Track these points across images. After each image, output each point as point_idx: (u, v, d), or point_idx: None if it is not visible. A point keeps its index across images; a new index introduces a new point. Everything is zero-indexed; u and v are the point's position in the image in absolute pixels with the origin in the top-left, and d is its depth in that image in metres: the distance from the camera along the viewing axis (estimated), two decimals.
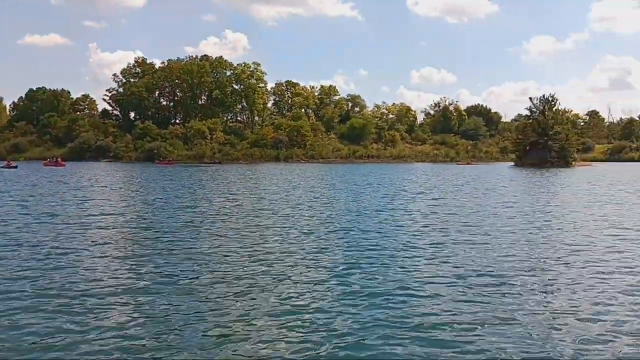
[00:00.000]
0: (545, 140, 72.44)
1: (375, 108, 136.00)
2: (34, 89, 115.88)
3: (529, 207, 22.68)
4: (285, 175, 47.89)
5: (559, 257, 11.89)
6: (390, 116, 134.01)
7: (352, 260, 11.27)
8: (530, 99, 77.16)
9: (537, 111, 76.20)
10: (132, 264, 10.71)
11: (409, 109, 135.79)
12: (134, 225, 15.99)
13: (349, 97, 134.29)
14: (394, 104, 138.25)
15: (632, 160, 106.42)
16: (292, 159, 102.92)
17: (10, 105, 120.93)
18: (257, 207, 21.21)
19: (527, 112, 79.28)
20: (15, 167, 61.26)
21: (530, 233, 15.31)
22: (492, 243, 13.54)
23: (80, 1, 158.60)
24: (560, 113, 77.96)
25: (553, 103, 76.20)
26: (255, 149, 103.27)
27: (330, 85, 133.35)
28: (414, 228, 16.07)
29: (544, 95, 76.49)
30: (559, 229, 16.32)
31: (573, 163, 75.43)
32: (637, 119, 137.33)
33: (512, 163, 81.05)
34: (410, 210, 20.84)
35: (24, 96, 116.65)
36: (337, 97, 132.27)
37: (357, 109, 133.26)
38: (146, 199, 24.63)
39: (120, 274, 9.87)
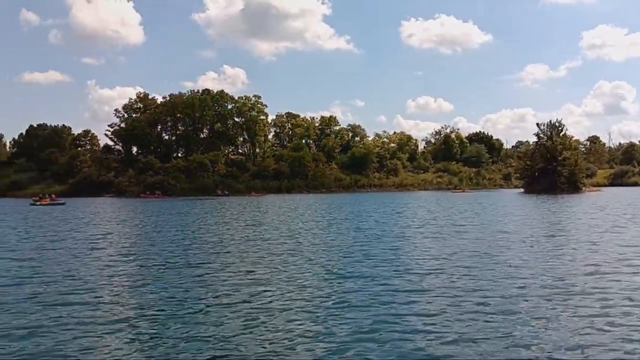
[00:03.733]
0: (555, 165, 71.88)
1: (376, 137, 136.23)
2: (35, 125, 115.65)
3: (582, 235, 21.78)
4: (293, 205, 47.01)
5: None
6: (392, 145, 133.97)
7: (383, 293, 10.32)
8: (538, 124, 76.97)
9: (545, 137, 75.83)
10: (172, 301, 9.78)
11: (410, 138, 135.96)
12: (168, 260, 15.03)
13: (350, 127, 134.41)
14: (394, 132, 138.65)
15: (636, 184, 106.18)
16: (294, 189, 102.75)
17: (10, 142, 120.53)
18: (279, 236, 20.22)
19: (535, 138, 79.08)
20: (63, 204, 56.45)
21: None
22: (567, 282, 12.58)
23: (79, 39, 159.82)
24: (568, 139, 77.61)
25: (560, 129, 75.96)
26: (257, 180, 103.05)
27: (331, 116, 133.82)
28: (453, 257, 15.13)
29: (550, 121, 76.48)
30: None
31: (583, 188, 74.79)
32: (638, 143, 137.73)
33: (521, 189, 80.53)
34: (450, 240, 19.89)
35: (24, 133, 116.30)
36: (337, 127, 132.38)
37: (357, 138, 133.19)
38: (170, 234, 23.65)
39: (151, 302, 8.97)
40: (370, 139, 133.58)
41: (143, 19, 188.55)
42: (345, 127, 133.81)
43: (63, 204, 54.58)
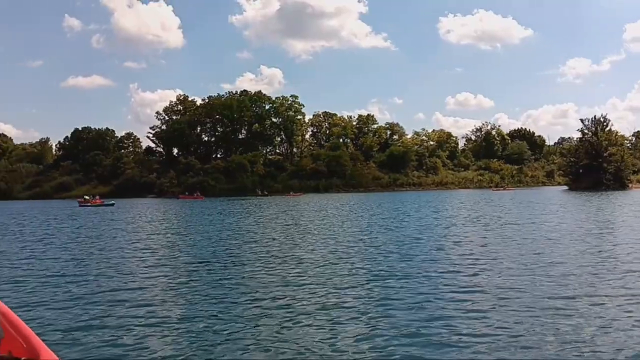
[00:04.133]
0: (600, 162, 69.58)
1: (415, 135, 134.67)
2: (80, 128, 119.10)
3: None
4: (332, 205, 46.81)
5: None
6: (431, 143, 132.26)
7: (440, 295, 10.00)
8: (582, 120, 74.79)
9: (589, 133, 73.48)
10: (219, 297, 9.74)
11: (449, 135, 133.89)
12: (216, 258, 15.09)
13: (388, 125, 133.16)
14: (433, 130, 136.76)
15: None
16: (332, 189, 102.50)
17: (56, 145, 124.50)
18: (322, 235, 20.05)
19: (578, 134, 76.90)
20: (112, 204, 56.82)
21: None
22: None
23: (121, 43, 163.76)
24: (613, 134, 74.96)
25: (605, 124, 73.46)
26: (295, 180, 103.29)
27: (368, 114, 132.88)
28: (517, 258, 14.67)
29: (594, 116, 74.13)
30: None
31: (630, 185, 72.12)
32: None
33: (565, 187, 78.24)
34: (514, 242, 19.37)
35: (69, 136, 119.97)
36: (375, 126, 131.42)
37: (396, 136, 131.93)
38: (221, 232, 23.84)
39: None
40: (408, 137, 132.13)
41: (182, 23, 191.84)
42: (383, 125, 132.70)
43: (112, 204, 55.53)
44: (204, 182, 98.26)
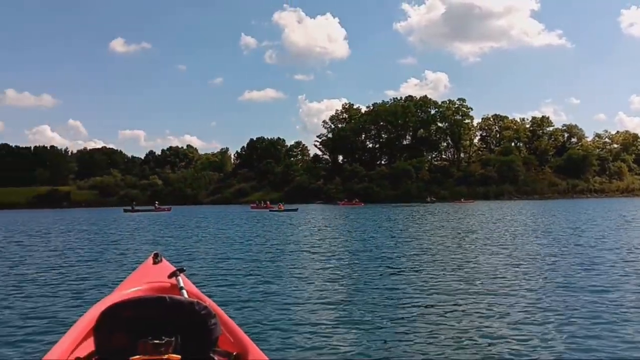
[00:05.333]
0: None
1: (596, 137, 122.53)
2: (254, 138, 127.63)
3: None
4: (507, 212, 42.96)
5: None
6: (614, 146, 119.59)
7: None
8: None
9: None
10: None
11: (636, 137, 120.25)
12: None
13: (565, 127, 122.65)
14: (617, 132, 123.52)
15: None
16: (503, 196, 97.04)
17: (234, 154, 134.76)
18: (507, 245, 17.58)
19: None
20: (295, 210, 57.13)
21: None
22: None
23: (291, 57, 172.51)
24: None
25: None
26: (462, 186, 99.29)
27: (543, 116, 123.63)
28: None
29: None
30: None
31: None
32: None
33: None
34: None
35: (245, 145, 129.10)
36: (550, 128, 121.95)
37: (574, 139, 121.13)
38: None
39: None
40: (588, 139, 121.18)
41: (348, 34, 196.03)
42: (559, 127, 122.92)
43: (296, 210, 57.23)
44: (369, 189, 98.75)
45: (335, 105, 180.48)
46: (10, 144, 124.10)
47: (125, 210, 63.40)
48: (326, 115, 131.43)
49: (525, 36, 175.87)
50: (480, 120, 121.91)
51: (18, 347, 6.20)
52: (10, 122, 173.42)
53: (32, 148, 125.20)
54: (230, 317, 3.23)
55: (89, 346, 2.65)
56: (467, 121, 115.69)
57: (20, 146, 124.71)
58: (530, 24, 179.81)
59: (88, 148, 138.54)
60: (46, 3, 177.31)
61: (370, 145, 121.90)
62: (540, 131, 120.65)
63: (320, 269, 12.73)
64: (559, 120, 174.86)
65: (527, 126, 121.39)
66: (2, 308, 8.46)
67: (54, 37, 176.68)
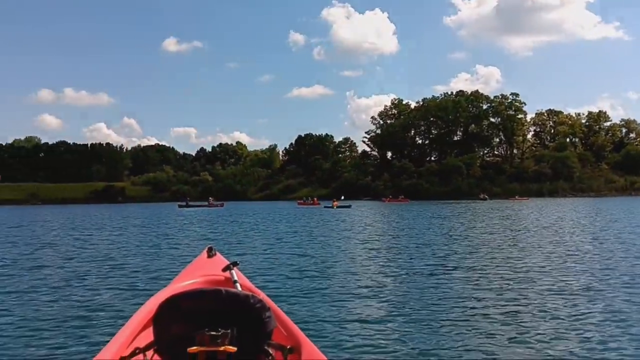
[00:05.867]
0: None
1: None
2: (302, 135, 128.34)
3: None
4: (568, 210, 41.45)
5: None
6: None
7: None
8: None
9: None
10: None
11: None
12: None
13: (623, 122, 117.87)
14: None
15: None
16: (557, 193, 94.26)
17: (282, 150, 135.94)
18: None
19: None
20: (349, 206, 56.57)
21: None
22: None
23: (340, 54, 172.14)
24: None
25: None
26: (515, 183, 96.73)
27: (600, 111, 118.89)
28: None
29: None
30: None
31: None
32: None
33: None
34: None
35: (294, 142, 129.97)
36: (608, 123, 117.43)
37: (632, 134, 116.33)
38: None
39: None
40: None
41: (397, 29, 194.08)
42: (617, 122, 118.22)
43: (349, 206, 56.88)
44: (418, 185, 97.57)
45: (383, 101, 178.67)
46: (69, 141, 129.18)
47: (180, 206, 64.92)
48: (374, 111, 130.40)
49: (581, 29, 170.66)
50: (533, 116, 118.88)
51: (79, 338, 6.39)
52: (69, 120, 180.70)
53: (89, 145, 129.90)
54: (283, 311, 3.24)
55: (148, 337, 2.70)
56: (520, 116, 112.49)
57: (78, 143, 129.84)
58: (585, 16, 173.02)
59: (142, 145, 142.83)
60: (102, 5, 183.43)
61: (420, 141, 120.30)
62: (597, 126, 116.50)
63: (372, 264, 12.65)
64: (616, 115, 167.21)
65: (583, 121, 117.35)
66: (64, 299, 8.77)
67: (110, 37, 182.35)
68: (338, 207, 55.84)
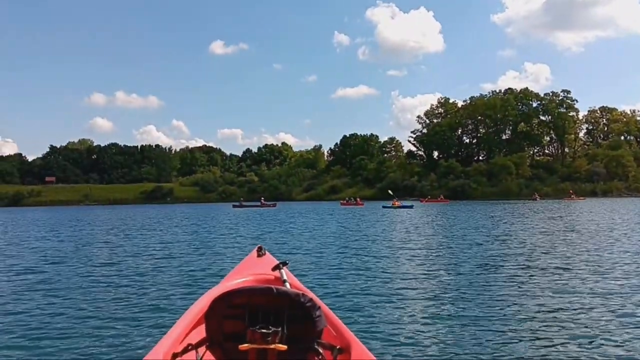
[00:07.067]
0: None
1: None
2: (347, 135, 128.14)
3: None
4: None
5: None
6: None
7: None
8: None
9: None
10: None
11: None
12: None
13: None
14: None
15: None
16: (611, 193, 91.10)
17: (327, 151, 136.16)
18: None
19: None
20: (411, 206, 56.33)
21: None
22: None
23: (385, 53, 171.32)
24: None
25: None
26: (567, 182, 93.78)
27: None
28: None
29: None
30: None
31: None
32: None
33: None
34: None
35: (338, 142, 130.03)
36: None
37: None
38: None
39: None
40: None
41: (442, 27, 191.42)
42: None
43: (411, 206, 56.11)
44: (465, 185, 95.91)
45: (429, 100, 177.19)
46: (120, 143, 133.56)
47: (234, 206, 67.71)
48: (420, 111, 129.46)
49: (634, 24, 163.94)
50: (585, 113, 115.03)
51: (133, 334, 6.57)
52: (119, 123, 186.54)
53: (139, 147, 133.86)
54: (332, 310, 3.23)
55: (200, 333, 2.74)
56: (571, 114, 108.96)
57: (129, 145, 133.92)
58: (639, 10, 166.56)
59: (190, 146, 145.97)
60: (150, 11, 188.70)
61: (467, 141, 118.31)
62: None
63: (421, 265, 12.51)
64: None
65: (638, 119, 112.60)
66: (118, 296, 9.06)
67: (159, 42, 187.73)
68: (398, 207, 54.73)
